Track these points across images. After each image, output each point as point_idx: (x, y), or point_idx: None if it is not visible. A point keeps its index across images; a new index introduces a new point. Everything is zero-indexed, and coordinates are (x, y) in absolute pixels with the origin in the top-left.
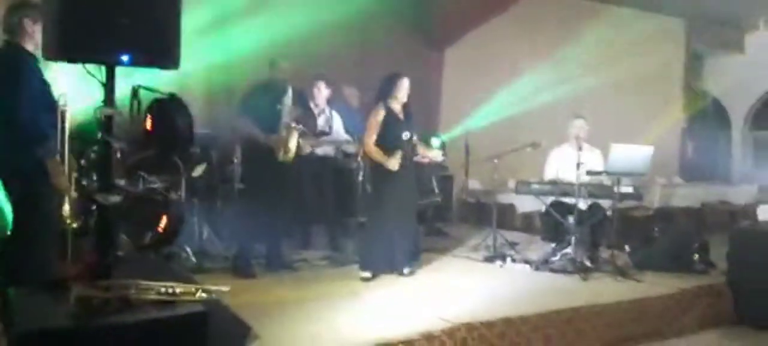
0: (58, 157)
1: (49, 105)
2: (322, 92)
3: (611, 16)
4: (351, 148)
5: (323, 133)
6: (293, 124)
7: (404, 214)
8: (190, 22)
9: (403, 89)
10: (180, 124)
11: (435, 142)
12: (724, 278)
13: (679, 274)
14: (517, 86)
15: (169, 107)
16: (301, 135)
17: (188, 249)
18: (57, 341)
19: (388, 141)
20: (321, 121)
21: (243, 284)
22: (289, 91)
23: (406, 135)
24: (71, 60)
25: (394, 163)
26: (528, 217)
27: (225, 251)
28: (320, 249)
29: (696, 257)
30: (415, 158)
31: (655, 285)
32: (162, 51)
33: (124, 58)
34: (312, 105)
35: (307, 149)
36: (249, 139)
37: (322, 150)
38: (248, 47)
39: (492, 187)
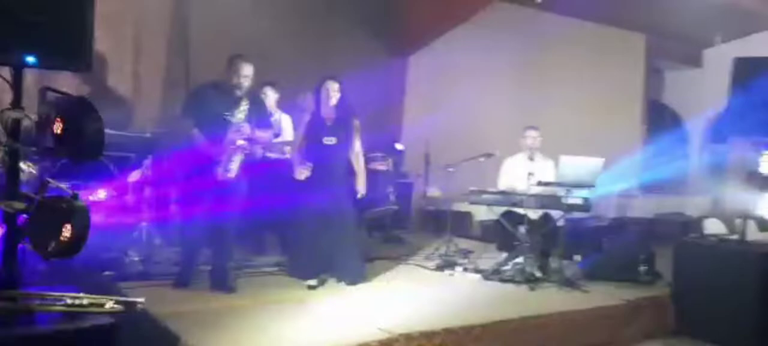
0: None
1: None
2: (269, 97)
3: (573, 29)
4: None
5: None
6: (239, 142)
7: (330, 224)
8: None
9: (328, 92)
10: (88, 130)
11: (398, 146)
12: (669, 289)
13: (625, 284)
14: (478, 95)
15: (77, 111)
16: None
17: (134, 255)
18: None
19: (310, 145)
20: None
21: (186, 292)
22: (243, 105)
23: (330, 140)
24: None
25: (300, 174)
26: (485, 226)
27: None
28: (274, 254)
29: (642, 268)
30: (371, 166)
31: (601, 296)
32: (72, 52)
33: (30, 59)
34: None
35: (259, 154)
36: (189, 145)
37: (274, 154)
38: (207, 48)
39: (448, 195)
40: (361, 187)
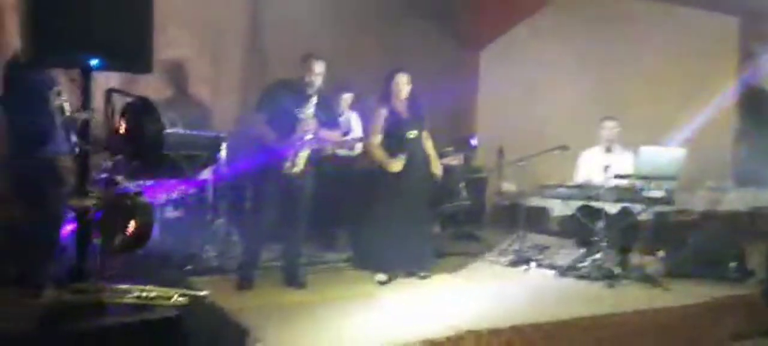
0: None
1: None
2: (345, 100)
3: (657, 14)
4: (359, 146)
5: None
6: (308, 136)
7: (410, 215)
8: None
9: (400, 85)
10: (148, 130)
11: (473, 142)
12: (761, 287)
13: (713, 282)
14: (553, 86)
15: (139, 111)
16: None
17: (210, 250)
18: None
19: (392, 140)
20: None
21: (256, 287)
22: (313, 100)
23: (412, 133)
24: (41, 65)
25: (395, 166)
26: (562, 221)
27: None
28: (343, 250)
29: (731, 264)
30: (443, 161)
31: (685, 294)
32: (134, 54)
33: (94, 62)
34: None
35: (328, 151)
36: (260, 141)
37: (343, 151)
38: (281, 51)
39: (521, 190)
40: (436, 170)
